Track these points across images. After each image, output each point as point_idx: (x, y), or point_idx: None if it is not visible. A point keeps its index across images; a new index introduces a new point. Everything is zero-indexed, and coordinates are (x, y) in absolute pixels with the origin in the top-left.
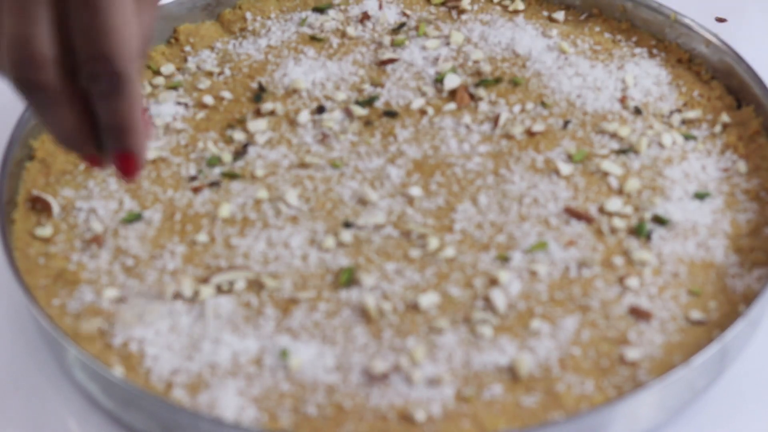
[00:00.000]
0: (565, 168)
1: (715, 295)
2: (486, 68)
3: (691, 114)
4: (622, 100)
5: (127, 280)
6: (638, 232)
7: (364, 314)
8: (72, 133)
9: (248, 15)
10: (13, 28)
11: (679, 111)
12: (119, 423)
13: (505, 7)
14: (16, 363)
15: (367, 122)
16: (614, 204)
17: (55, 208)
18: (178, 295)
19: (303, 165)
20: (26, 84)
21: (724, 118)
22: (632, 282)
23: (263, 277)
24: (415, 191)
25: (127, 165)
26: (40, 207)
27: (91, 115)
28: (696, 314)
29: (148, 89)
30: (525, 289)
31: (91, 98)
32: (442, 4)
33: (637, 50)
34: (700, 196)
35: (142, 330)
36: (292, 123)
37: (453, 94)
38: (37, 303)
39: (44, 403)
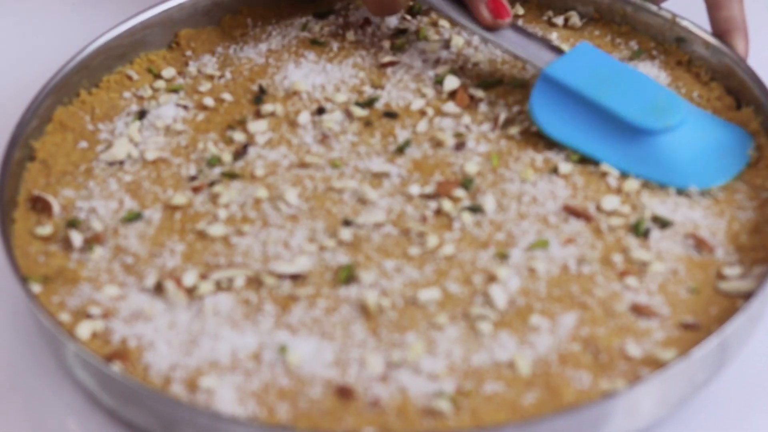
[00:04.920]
0: (564, 167)
1: (715, 293)
2: (486, 70)
3: None
4: None
5: (127, 278)
6: (637, 230)
7: (363, 310)
8: None
9: (249, 21)
10: None
11: None
12: (118, 419)
13: None
14: (15, 361)
15: (367, 123)
16: (613, 202)
17: (56, 208)
18: (177, 291)
19: (303, 165)
20: None
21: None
22: (631, 279)
23: (263, 275)
24: (414, 190)
25: (500, 6)
26: (40, 207)
27: None
28: (695, 311)
29: (149, 92)
30: (524, 286)
31: None
32: None
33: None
34: (701, 191)
35: (141, 326)
36: (293, 124)
37: (453, 95)
38: (36, 300)
39: (44, 401)
